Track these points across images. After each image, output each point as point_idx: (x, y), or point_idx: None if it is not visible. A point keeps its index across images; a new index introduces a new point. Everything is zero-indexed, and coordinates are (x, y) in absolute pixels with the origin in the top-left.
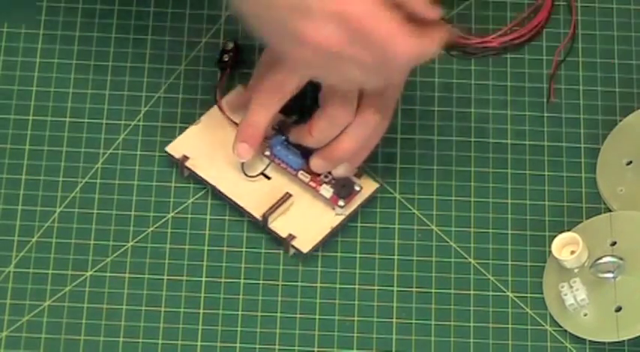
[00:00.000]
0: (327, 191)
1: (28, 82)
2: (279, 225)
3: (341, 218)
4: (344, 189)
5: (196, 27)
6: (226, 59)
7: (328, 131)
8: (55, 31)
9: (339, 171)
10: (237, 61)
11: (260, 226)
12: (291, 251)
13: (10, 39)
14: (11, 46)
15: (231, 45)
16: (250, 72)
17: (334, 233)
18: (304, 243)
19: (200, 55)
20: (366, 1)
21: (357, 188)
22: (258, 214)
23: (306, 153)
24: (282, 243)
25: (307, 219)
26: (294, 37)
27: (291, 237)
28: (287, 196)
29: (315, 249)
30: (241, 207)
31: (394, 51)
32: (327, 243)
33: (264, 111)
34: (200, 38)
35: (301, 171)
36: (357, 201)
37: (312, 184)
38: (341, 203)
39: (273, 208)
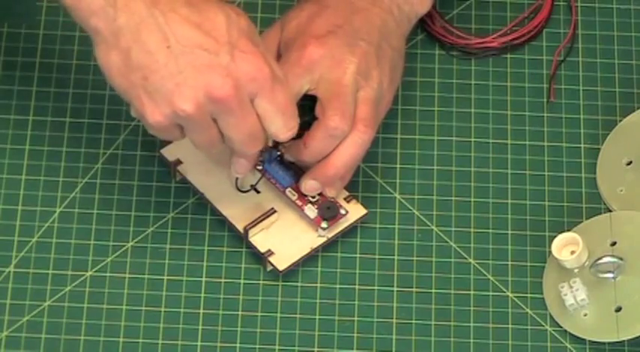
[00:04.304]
0: (311, 211)
1: (28, 81)
2: (260, 240)
3: (322, 240)
4: (329, 212)
5: None
6: None
7: (325, 142)
8: (55, 31)
9: (331, 192)
10: None
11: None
12: (269, 267)
13: (10, 39)
14: (11, 46)
15: None
16: None
17: (315, 253)
18: (281, 260)
19: None
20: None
21: (342, 212)
22: (240, 226)
23: (298, 172)
24: (260, 257)
25: (288, 237)
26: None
27: (270, 252)
28: (271, 212)
29: (293, 267)
30: (225, 217)
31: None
32: (309, 258)
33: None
34: None
35: (289, 189)
36: (341, 225)
37: (299, 203)
38: (324, 225)
39: (256, 222)
